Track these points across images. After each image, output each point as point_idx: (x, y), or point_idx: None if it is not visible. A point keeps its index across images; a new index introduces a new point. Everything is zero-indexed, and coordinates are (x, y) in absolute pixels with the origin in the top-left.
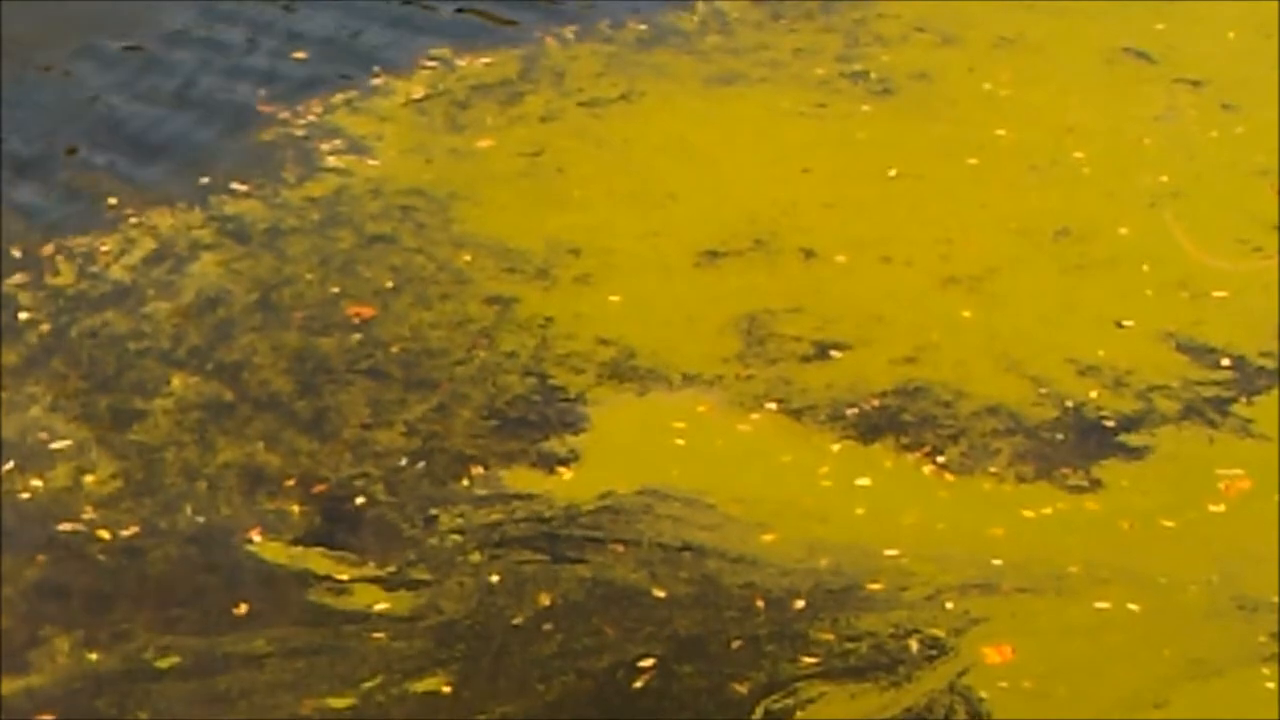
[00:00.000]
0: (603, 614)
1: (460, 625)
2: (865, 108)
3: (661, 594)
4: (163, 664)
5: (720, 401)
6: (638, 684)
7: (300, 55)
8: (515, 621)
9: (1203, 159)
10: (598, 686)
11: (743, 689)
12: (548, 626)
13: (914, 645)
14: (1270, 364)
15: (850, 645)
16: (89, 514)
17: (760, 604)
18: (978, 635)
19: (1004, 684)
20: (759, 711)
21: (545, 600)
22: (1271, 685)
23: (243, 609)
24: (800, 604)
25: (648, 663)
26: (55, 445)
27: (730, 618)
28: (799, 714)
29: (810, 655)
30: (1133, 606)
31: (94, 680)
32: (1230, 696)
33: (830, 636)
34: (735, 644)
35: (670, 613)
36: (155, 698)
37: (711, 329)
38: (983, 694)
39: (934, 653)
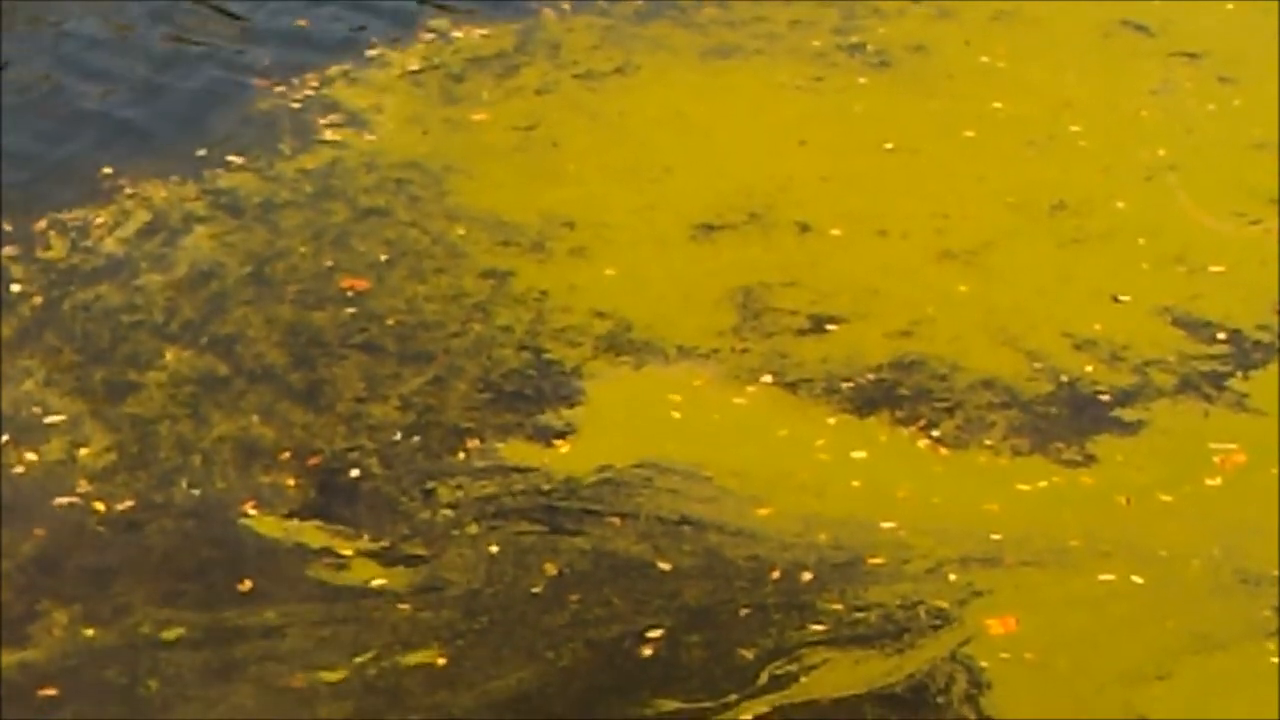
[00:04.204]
0: (611, 585)
1: (463, 597)
2: (862, 81)
3: (666, 566)
4: (166, 636)
5: (716, 375)
6: (646, 652)
7: (301, 23)
8: (518, 593)
9: (1200, 132)
10: (607, 655)
11: (749, 655)
12: (551, 598)
13: (917, 617)
14: (1266, 338)
15: (857, 615)
16: (84, 487)
17: (767, 576)
18: (981, 607)
19: (1005, 655)
20: (764, 677)
21: (547, 573)
22: (1274, 659)
23: (242, 584)
24: (807, 576)
25: (656, 633)
26: (49, 419)
27: (739, 588)
28: (804, 679)
29: (817, 625)
30: (1136, 579)
31: (96, 653)
32: (1233, 670)
33: (838, 607)
34: (743, 613)
35: (677, 585)
36: (161, 668)
37: (707, 302)
38: (984, 664)
39: (938, 623)
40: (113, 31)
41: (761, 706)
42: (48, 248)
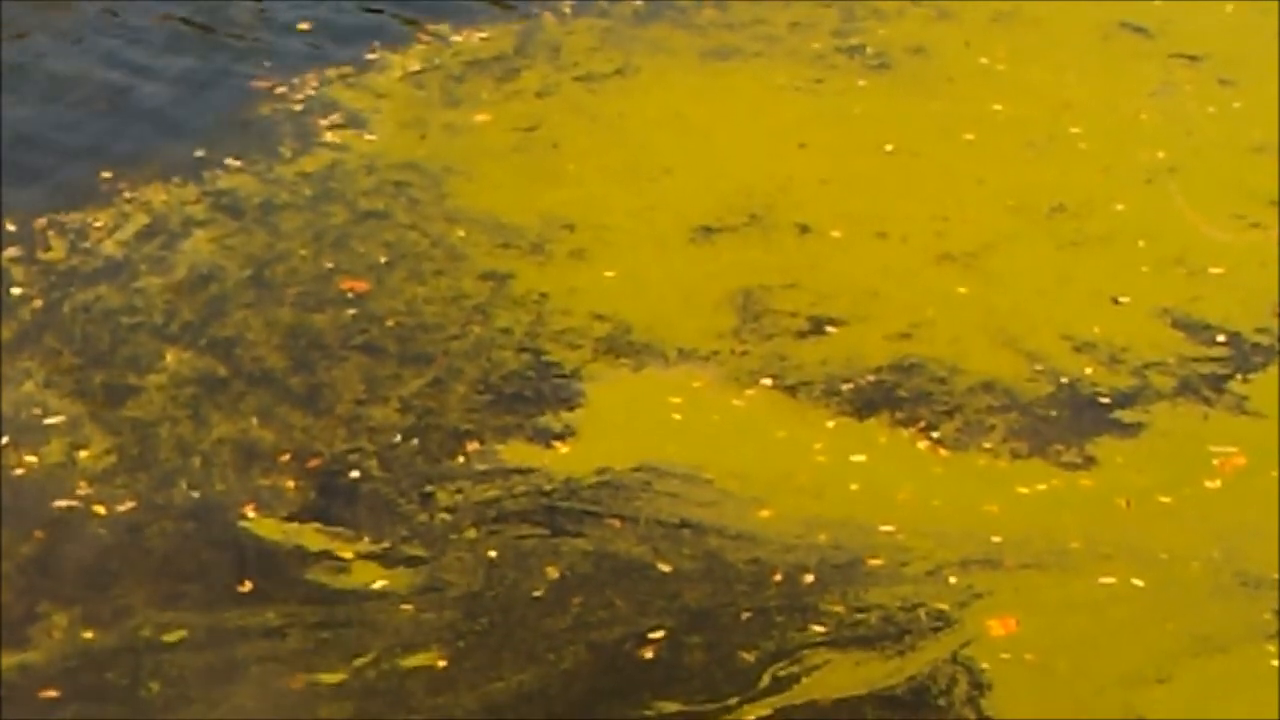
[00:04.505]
0: (612, 587)
1: (463, 599)
2: (861, 83)
3: (667, 568)
4: (167, 638)
5: (716, 377)
6: (648, 654)
7: (303, 27)
8: (518, 596)
9: (1200, 134)
10: (608, 658)
11: (750, 657)
12: (552, 600)
13: (918, 618)
14: (1266, 340)
15: (857, 617)
16: (84, 490)
17: (767, 579)
18: (982, 609)
19: (1006, 656)
20: (765, 679)
21: (548, 575)
22: (1275, 662)
23: (243, 586)
24: (808, 578)
25: (657, 635)
26: (49, 421)
27: (740, 590)
28: (805, 681)
29: (818, 627)
30: (1137, 582)
31: (96, 655)
32: (1234, 672)
33: (839, 609)
34: (744, 616)
35: (678, 587)
36: (160, 670)
37: (707, 304)
38: (985, 665)
39: (938, 625)
40: (115, 35)
41: (763, 708)
42: (47, 250)
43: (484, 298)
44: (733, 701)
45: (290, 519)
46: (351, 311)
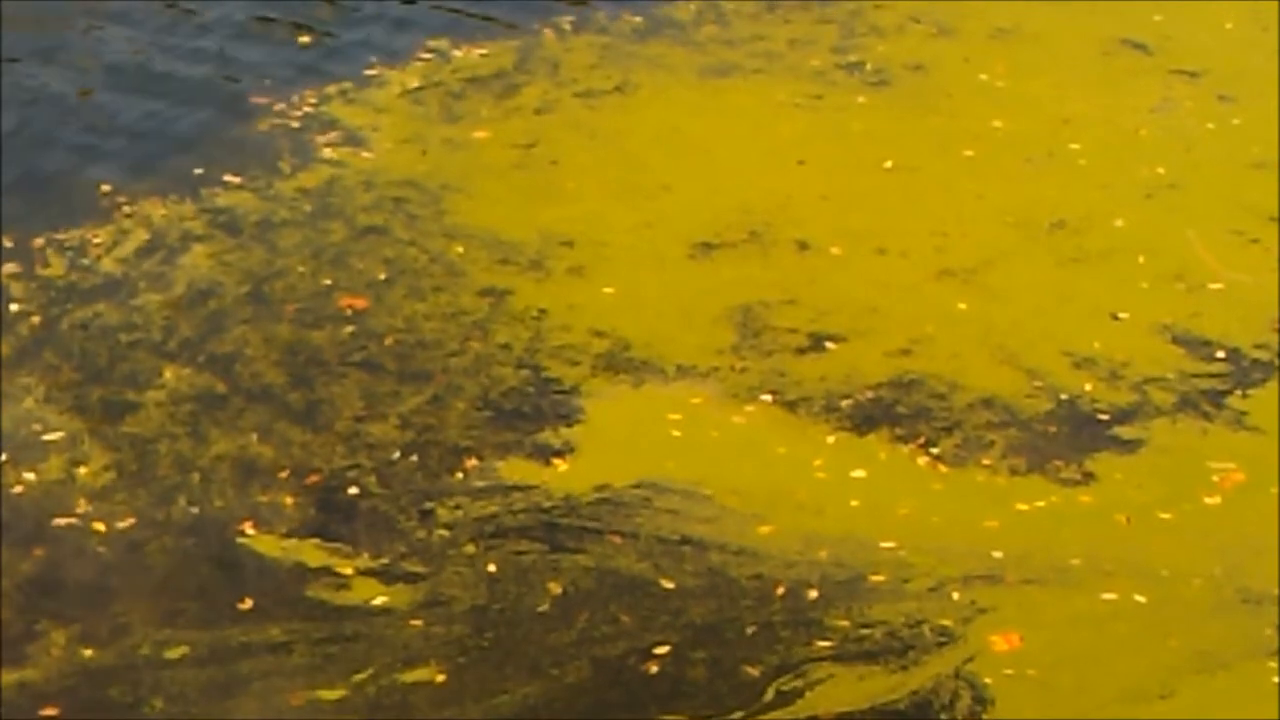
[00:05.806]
0: (615, 602)
1: (465, 615)
2: (861, 99)
3: (669, 584)
4: (167, 655)
5: (715, 393)
6: (653, 669)
7: (304, 40)
8: (521, 611)
9: (1199, 151)
10: (613, 672)
11: (754, 671)
12: (556, 616)
13: (921, 634)
14: (1265, 356)
15: (860, 633)
16: (83, 506)
17: (770, 594)
18: (984, 624)
19: (1009, 672)
20: (770, 693)
21: (550, 591)
22: (1276, 679)
23: (243, 602)
24: (811, 594)
25: (662, 650)
26: (48, 437)
27: (744, 606)
28: (809, 695)
29: (821, 642)
30: (1138, 598)
31: (96, 673)
32: (1235, 689)
33: (843, 624)
34: (748, 630)
35: (681, 602)
36: (161, 687)
37: (706, 321)
38: (988, 680)
39: (942, 640)
40: (117, 46)
41: None
42: (46, 266)
43: (483, 314)
44: (737, 716)
45: (289, 535)
46: (350, 328)
